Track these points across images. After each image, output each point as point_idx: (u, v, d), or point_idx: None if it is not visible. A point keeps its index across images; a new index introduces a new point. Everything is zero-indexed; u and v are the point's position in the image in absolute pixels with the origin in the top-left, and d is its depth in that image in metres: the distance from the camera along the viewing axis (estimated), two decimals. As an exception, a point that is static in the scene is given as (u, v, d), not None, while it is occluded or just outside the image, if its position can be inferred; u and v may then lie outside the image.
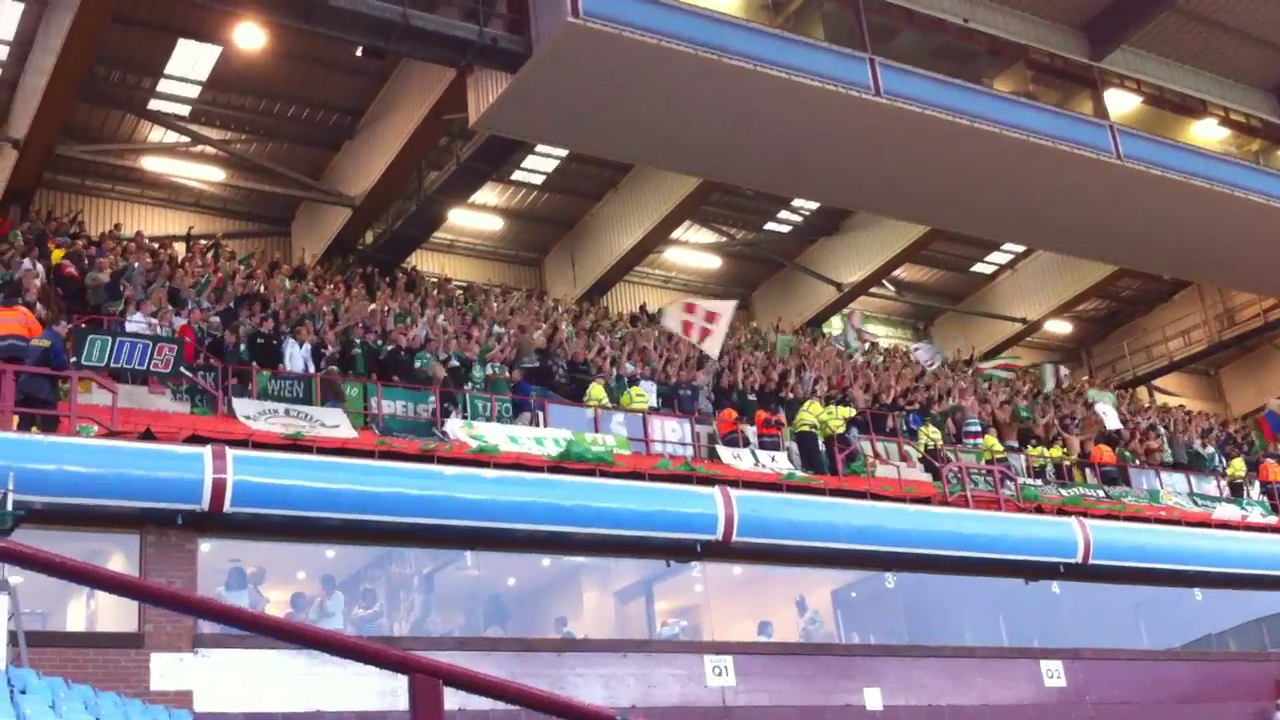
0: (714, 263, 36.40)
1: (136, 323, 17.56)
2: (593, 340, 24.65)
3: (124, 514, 13.45)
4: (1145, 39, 27.60)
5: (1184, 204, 26.89)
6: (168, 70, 25.71)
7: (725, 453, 20.29)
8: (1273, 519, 24.79)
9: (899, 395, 26.32)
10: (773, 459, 20.52)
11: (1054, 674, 18.61)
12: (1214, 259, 30.70)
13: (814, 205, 33.85)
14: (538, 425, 19.57)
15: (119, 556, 14.08)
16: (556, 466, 17.27)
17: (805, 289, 36.18)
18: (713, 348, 23.02)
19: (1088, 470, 25.38)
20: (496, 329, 23.97)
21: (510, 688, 4.05)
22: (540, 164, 30.67)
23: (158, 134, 27.68)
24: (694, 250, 35.60)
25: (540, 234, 33.81)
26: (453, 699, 3.88)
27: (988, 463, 22.60)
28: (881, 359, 32.84)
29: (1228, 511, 24.42)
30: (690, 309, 22.97)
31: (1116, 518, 21.99)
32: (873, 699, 16.77)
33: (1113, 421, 28.04)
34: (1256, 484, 26.71)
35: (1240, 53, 28.70)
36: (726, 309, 23.40)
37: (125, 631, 12.96)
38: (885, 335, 39.03)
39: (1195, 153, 27.61)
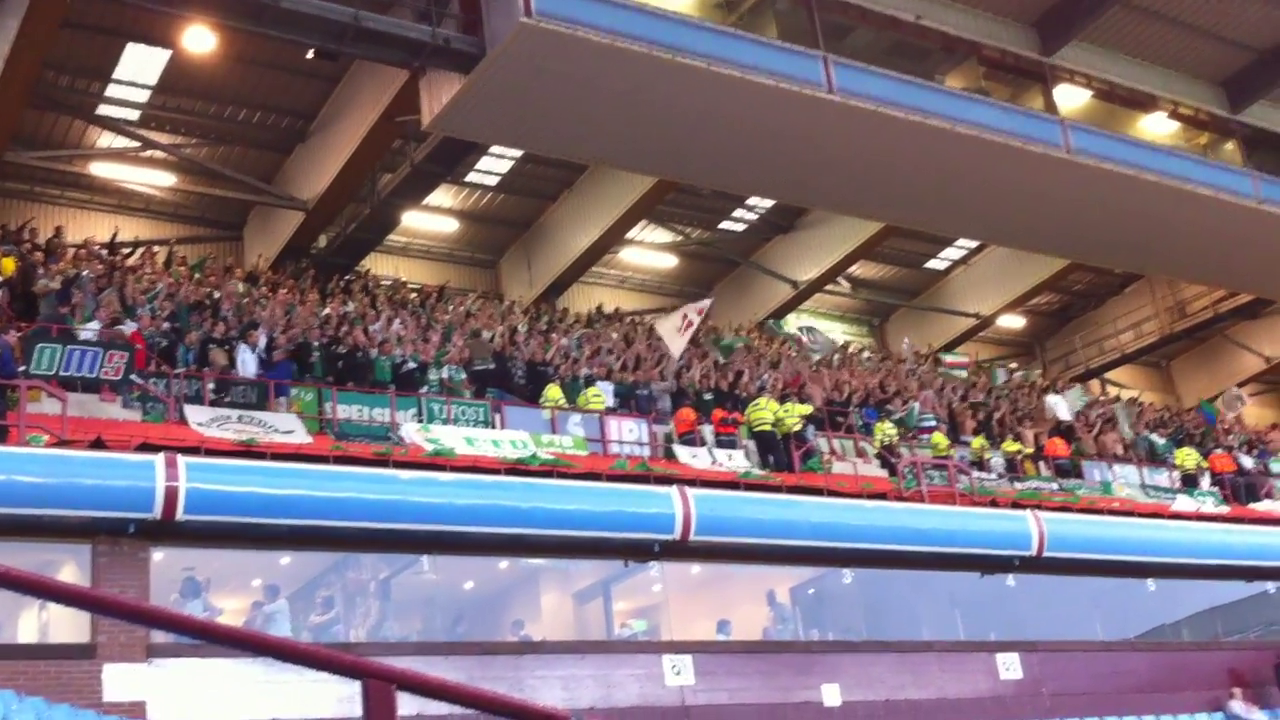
0: (670, 262, 36.44)
1: (89, 330, 17.36)
2: (549, 341, 24.62)
3: (75, 524, 13.31)
4: (1095, 34, 27.82)
5: (1134, 197, 27.16)
6: (116, 75, 25.46)
7: (682, 452, 20.31)
8: (1224, 509, 25.08)
9: (855, 394, 26.40)
10: (730, 457, 20.56)
11: (1010, 666, 18.74)
12: (1164, 252, 31.02)
13: (769, 203, 33.93)
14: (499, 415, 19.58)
15: (71, 567, 13.94)
16: (514, 468, 17.23)
17: (761, 287, 36.27)
18: (677, 348, 23.24)
19: (1041, 463, 25.59)
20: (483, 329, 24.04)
21: (464, 691, 4.03)
22: (495, 165, 30.57)
23: (107, 139, 27.41)
24: (650, 250, 35.62)
25: (495, 235, 33.73)
26: (411, 704, 3.86)
27: (943, 457, 22.74)
28: (837, 357, 32.98)
29: (1185, 503, 24.68)
30: (685, 321, 23.40)
31: (1070, 510, 22.17)
32: (831, 695, 16.84)
33: (1064, 413, 28.29)
34: (1208, 475, 27.00)
35: (1189, 46, 29.00)
36: (705, 305, 24.25)
37: (78, 643, 12.83)
38: (842, 333, 39.20)
39: (1145, 146, 27.92)
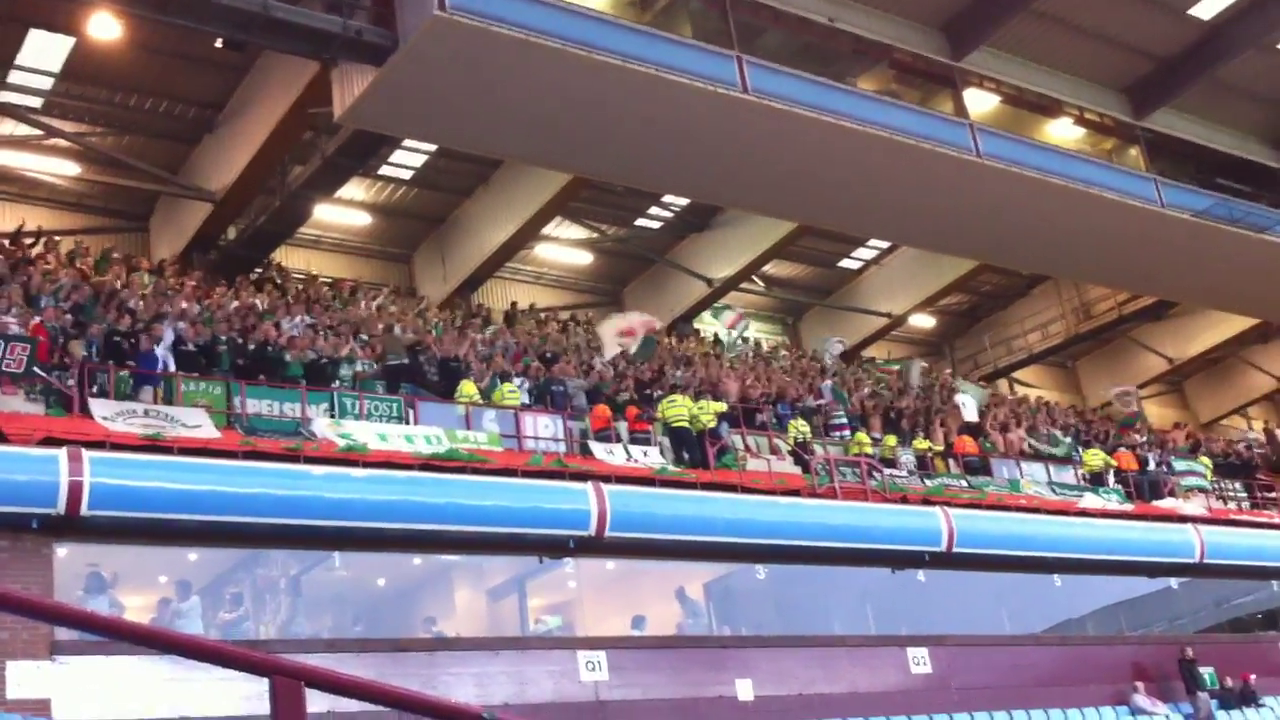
0: (585, 259, 36.41)
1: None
2: (463, 337, 24.45)
3: (-25, 519, 13.00)
4: (1003, 40, 28.24)
5: (1041, 201, 27.61)
6: (18, 61, 24.80)
7: (598, 448, 20.28)
8: (1129, 506, 25.60)
9: (767, 393, 26.53)
10: (645, 454, 20.57)
11: (920, 661, 18.99)
12: (1070, 254, 31.57)
13: (684, 201, 34.03)
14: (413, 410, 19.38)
15: (-30, 564, 13.58)
16: (427, 464, 17.09)
17: (676, 285, 36.37)
18: (611, 351, 23.64)
19: (951, 461, 25.93)
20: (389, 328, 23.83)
21: (374, 687, 3.97)
22: (408, 159, 30.29)
23: (8, 127, 26.72)
24: (565, 246, 35.56)
25: (409, 230, 33.42)
26: (322, 701, 3.79)
27: (855, 455, 22.98)
28: (752, 355, 33.19)
29: (1091, 500, 25.14)
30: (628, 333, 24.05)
31: (979, 507, 22.49)
32: (744, 690, 16.94)
33: (970, 413, 28.67)
34: (1112, 473, 27.51)
35: (1093, 54, 29.54)
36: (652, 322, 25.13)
37: (-22, 641, 12.53)
38: (757, 331, 39.43)
39: (1051, 151, 28.36)
